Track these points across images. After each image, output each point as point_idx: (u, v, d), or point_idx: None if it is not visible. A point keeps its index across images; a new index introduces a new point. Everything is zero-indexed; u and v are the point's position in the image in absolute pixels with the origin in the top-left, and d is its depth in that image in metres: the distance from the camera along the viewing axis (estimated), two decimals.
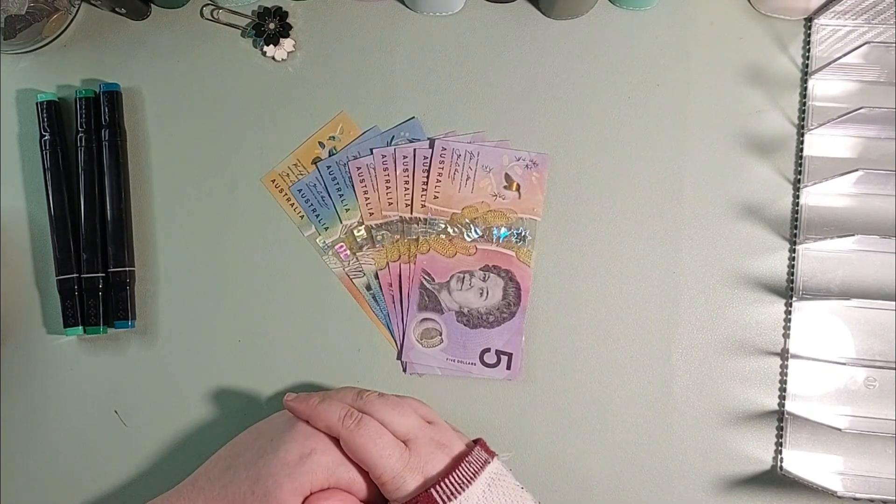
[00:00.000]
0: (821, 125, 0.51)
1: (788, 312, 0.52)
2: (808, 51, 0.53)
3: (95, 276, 0.52)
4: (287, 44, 0.53)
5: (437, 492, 0.41)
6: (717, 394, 0.52)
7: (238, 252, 0.53)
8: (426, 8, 0.53)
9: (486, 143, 0.53)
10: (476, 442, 0.46)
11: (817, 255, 0.52)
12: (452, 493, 0.41)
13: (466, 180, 0.53)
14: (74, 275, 0.52)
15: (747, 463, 0.52)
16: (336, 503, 0.42)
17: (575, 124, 0.53)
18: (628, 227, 0.53)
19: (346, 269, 0.53)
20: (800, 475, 0.49)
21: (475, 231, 0.53)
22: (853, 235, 0.46)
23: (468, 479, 0.42)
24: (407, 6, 0.54)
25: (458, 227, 0.53)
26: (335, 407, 0.44)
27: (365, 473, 0.43)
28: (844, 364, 0.50)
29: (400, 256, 0.53)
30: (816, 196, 0.52)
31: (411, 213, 0.53)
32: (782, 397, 0.52)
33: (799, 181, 0.52)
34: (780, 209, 0.53)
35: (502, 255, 0.53)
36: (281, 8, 0.53)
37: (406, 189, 0.53)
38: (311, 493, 0.43)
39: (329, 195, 0.53)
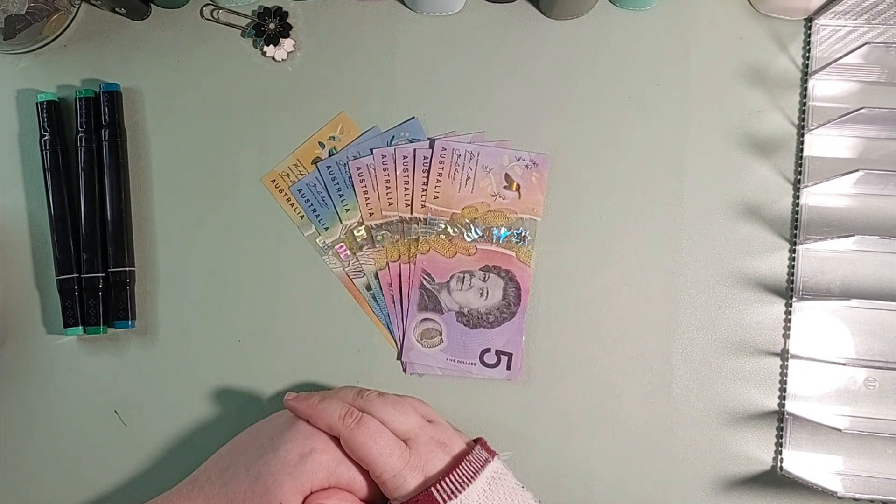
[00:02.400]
0: (821, 125, 0.51)
1: (788, 312, 0.52)
2: (808, 51, 0.53)
3: (95, 276, 0.52)
4: (287, 44, 0.53)
5: (438, 490, 0.41)
6: (717, 394, 0.52)
7: (238, 252, 0.53)
8: (426, 8, 0.53)
9: (486, 143, 0.53)
10: (476, 441, 0.46)
11: (817, 255, 0.52)
12: (453, 492, 0.41)
13: (466, 180, 0.53)
14: (74, 275, 0.52)
15: (747, 463, 0.52)
16: (336, 502, 0.42)
17: (575, 124, 0.53)
18: (628, 228, 0.53)
19: (346, 269, 0.53)
20: (800, 475, 0.49)
21: (475, 231, 0.53)
22: (853, 235, 0.46)
23: (468, 478, 0.42)
24: (407, 6, 0.54)
25: (458, 227, 0.53)
26: (335, 406, 0.44)
27: (365, 472, 0.43)
28: (844, 364, 0.50)
29: (400, 256, 0.53)
30: (816, 196, 0.52)
31: (411, 213, 0.53)
32: (782, 397, 0.52)
33: (799, 181, 0.52)
34: (780, 209, 0.53)
35: (502, 255, 0.53)
36: (281, 8, 0.53)
37: (406, 189, 0.53)
38: (312, 493, 0.43)
39: (329, 195, 0.53)
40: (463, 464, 0.43)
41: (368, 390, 0.46)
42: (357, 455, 0.43)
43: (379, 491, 0.43)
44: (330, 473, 0.43)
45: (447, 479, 0.42)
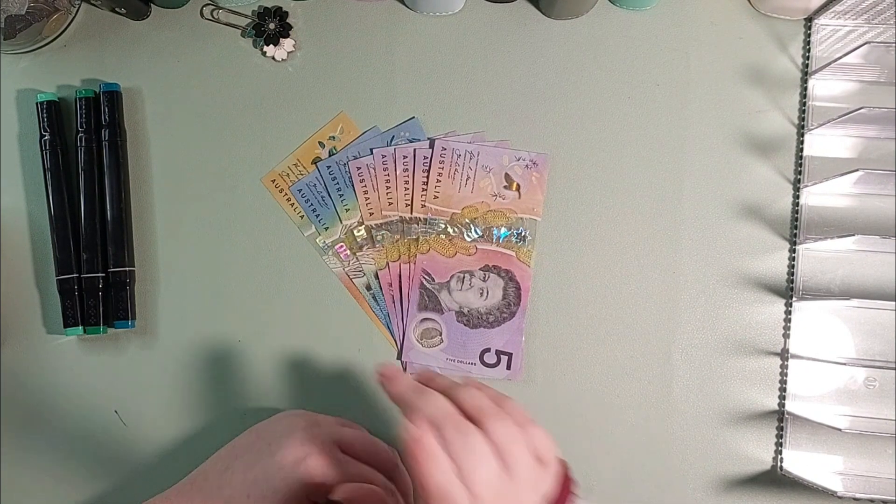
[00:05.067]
0: (821, 125, 0.51)
1: (788, 312, 0.52)
2: (808, 51, 0.53)
3: (95, 276, 0.52)
4: (287, 44, 0.53)
5: None
6: (717, 394, 0.52)
7: (238, 252, 0.53)
8: (426, 8, 0.53)
9: (486, 143, 0.53)
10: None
11: (817, 255, 0.52)
12: None
13: (466, 180, 0.53)
14: (74, 275, 0.52)
15: (747, 463, 0.52)
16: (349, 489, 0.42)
17: (575, 124, 0.53)
18: (628, 227, 0.53)
19: (346, 269, 0.53)
20: (800, 475, 0.49)
21: (475, 231, 0.53)
22: (853, 235, 0.46)
23: None
24: (407, 6, 0.54)
25: (458, 227, 0.53)
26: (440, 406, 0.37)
27: (361, 478, 0.43)
28: (844, 364, 0.50)
29: (400, 256, 0.53)
30: (816, 196, 0.52)
31: (411, 213, 0.53)
32: (782, 397, 0.52)
33: (799, 181, 0.52)
34: (780, 209, 0.53)
35: (502, 255, 0.53)
36: (281, 8, 0.53)
37: (406, 189, 0.53)
38: (308, 499, 0.43)
39: (329, 195, 0.53)
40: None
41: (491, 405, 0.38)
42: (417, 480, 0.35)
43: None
44: (325, 479, 0.43)
45: None
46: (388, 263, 0.53)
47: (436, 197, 0.53)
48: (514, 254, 0.53)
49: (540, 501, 0.37)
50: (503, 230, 0.53)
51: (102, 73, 0.54)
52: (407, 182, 0.53)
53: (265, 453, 0.44)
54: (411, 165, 0.53)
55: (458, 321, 0.52)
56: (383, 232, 0.53)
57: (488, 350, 0.52)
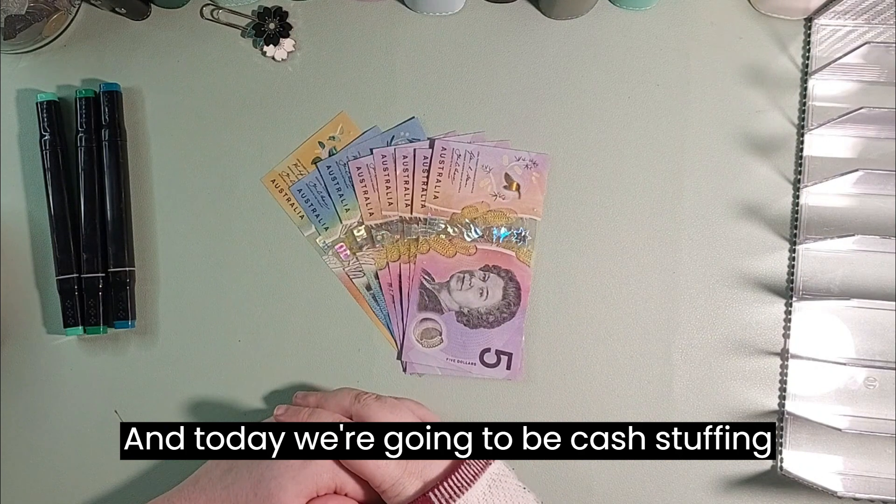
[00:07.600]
0: (821, 125, 0.51)
1: (788, 312, 0.52)
2: (808, 51, 0.53)
3: (95, 276, 0.52)
4: (287, 44, 0.53)
5: (436, 495, 0.41)
6: (717, 394, 0.52)
7: (238, 252, 0.53)
8: (426, 8, 0.53)
9: (486, 143, 0.53)
10: None
11: (817, 255, 0.52)
12: (451, 496, 0.41)
13: (466, 180, 0.53)
14: (74, 275, 0.52)
15: (747, 463, 0.52)
16: None
17: (575, 124, 0.53)
18: (628, 227, 0.53)
19: (346, 269, 0.53)
20: (800, 475, 0.49)
21: (475, 231, 0.53)
22: (853, 235, 0.46)
23: (468, 481, 0.42)
24: (407, 6, 0.54)
25: (458, 227, 0.53)
26: (327, 419, 0.44)
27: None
28: (844, 364, 0.50)
29: (400, 256, 0.53)
30: (816, 196, 0.52)
31: (411, 213, 0.53)
32: (782, 397, 0.52)
33: (799, 181, 0.52)
34: (780, 209, 0.53)
35: (502, 255, 0.53)
36: (281, 8, 0.53)
37: (406, 189, 0.53)
38: (318, 496, 0.43)
39: (329, 195, 0.53)
40: (462, 467, 0.43)
41: (366, 394, 0.46)
42: (354, 467, 0.43)
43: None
44: (334, 476, 0.43)
45: (446, 483, 0.41)
46: (388, 263, 0.53)
47: (436, 197, 0.53)
48: (514, 254, 0.53)
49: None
50: (503, 230, 0.53)
51: (102, 73, 0.54)
52: (407, 182, 0.53)
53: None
54: (411, 165, 0.53)
55: (458, 321, 0.52)
56: (383, 232, 0.53)
57: (488, 350, 0.52)
